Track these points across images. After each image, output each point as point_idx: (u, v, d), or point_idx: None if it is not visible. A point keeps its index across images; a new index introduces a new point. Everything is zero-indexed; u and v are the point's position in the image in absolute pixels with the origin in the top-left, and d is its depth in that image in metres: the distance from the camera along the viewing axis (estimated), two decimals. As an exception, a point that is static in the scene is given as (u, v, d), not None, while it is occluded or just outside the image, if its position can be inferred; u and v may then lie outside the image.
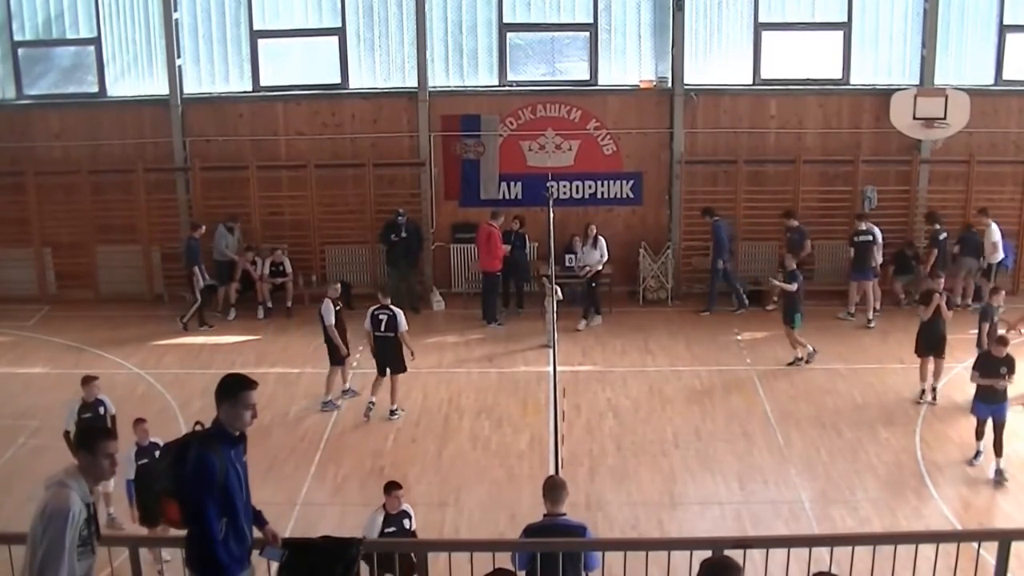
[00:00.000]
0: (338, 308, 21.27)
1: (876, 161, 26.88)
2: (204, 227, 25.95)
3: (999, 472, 17.74)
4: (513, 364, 23.41)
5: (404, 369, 20.71)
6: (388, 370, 20.66)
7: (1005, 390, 18.16)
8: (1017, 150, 26.77)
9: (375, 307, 20.70)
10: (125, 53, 27.01)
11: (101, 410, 17.07)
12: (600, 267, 25.37)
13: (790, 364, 22.83)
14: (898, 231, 26.80)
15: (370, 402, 20.80)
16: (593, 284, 25.38)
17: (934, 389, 20.98)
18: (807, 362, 22.79)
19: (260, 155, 26.98)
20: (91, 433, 8.34)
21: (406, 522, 14.14)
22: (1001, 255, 25.70)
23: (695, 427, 20.12)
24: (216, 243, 26.33)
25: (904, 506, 17.06)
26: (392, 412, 20.64)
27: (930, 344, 20.96)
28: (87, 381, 17.33)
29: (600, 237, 25.47)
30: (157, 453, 15.23)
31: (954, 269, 25.83)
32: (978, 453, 18.33)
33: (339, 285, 22.00)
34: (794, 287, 22.53)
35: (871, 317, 25.39)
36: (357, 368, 22.07)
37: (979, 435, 18.32)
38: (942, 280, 21.67)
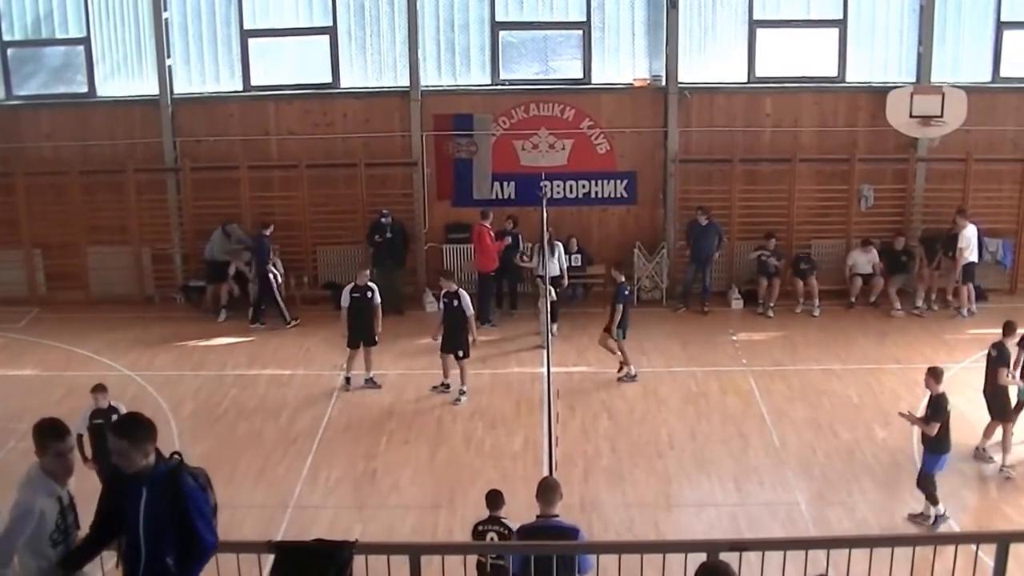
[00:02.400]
0: (357, 295, 21.65)
1: (872, 159, 26.76)
2: (273, 226, 25.94)
3: (919, 516, 16.52)
4: (507, 365, 23.28)
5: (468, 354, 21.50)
6: (460, 353, 21.40)
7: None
8: (1015, 148, 26.65)
9: (444, 292, 21.46)
10: (115, 53, 26.86)
11: (114, 417, 16.32)
12: (559, 274, 24.87)
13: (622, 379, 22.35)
14: (895, 230, 26.63)
15: (445, 384, 21.67)
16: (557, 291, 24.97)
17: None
18: (630, 378, 22.29)
19: (251, 155, 26.82)
20: (39, 432, 8.50)
21: None
22: (973, 258, 25.43)
23: (690, 428, 20.00)
24: (210, 244, 26.19)
25: (902, 508, 16.91)
26: (461, 393, 21.41)
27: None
28: (95, 389, 17.07)
29: (559, 244, 25.21)
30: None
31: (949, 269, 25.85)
32: (936, 519, 16.32)
33: (368, 272, 22.48)
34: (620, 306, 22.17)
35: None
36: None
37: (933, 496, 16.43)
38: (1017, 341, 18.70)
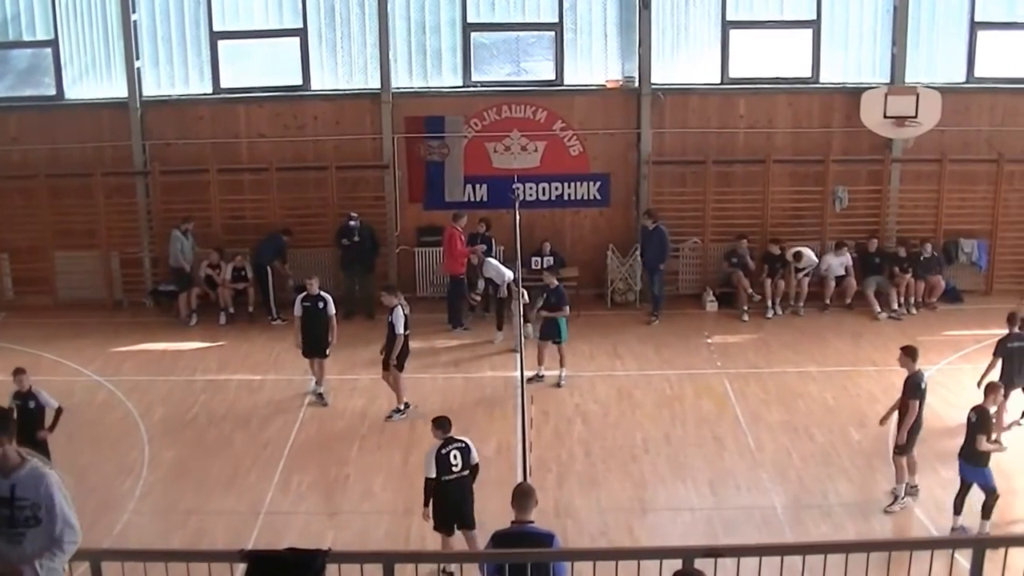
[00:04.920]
0: (308, 304, 21.14)
1: (847, 160, 26.75)
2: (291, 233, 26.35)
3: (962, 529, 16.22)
4: (479, 369, 23.12)
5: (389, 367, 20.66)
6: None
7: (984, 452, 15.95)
8: (989, 148, 26.66)
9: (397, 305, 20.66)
10: (83, 55, 26.62)
11: (31, 404, 16.98)
12: (501, 284, 24.78)
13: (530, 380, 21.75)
14: (870, 231, 26.61)
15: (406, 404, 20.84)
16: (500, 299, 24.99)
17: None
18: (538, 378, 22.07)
19: (221, 158, 26.64)
20: None
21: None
22: (813, 260, 25.97)
23: (665, 432, 19.85)
24: (171, 248, 25.99)
25: (878, 510, 16.82)
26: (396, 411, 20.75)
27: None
28: (15, 373, 17.28)
29: (491, 260, 25.08)
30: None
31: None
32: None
33: (317, 281, 21.68)
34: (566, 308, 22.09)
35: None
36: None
37: (959, 506, 16.09)
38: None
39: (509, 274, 24.13)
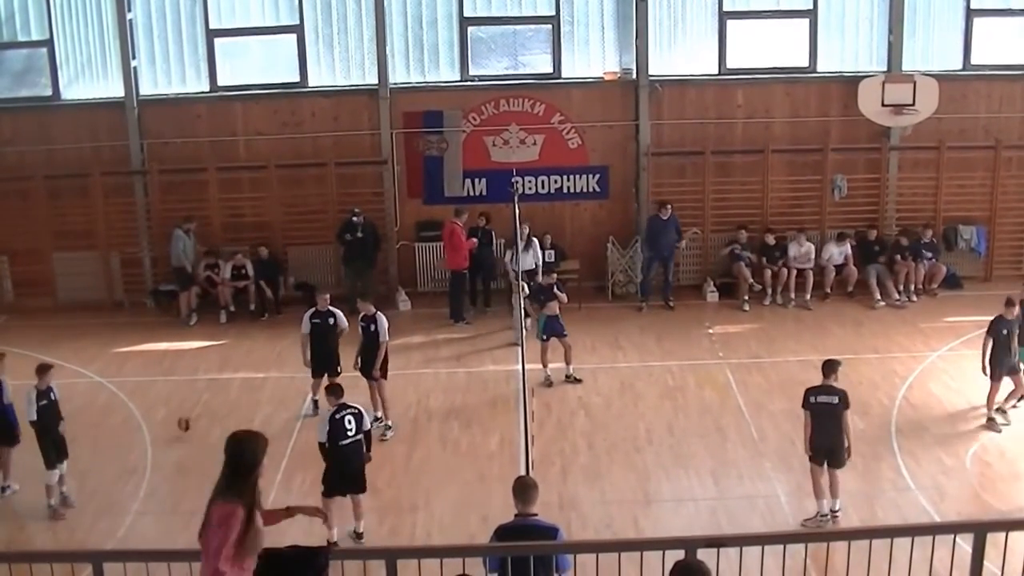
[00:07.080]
0: (317, 321, 20.21)
1: (845, 149, 26.75)
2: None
3: None
4: (481, 363, 23.09)
5: (376, 376, 20.00)
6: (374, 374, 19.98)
7: None
8: (986, 135, 26.66)
9: (361, 315, 20.01)
10: (78, 55, 26.56)
11: (52, 395, 17.43)
12: (534, 269, 24.61)
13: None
14: (869, 219, 26.64)
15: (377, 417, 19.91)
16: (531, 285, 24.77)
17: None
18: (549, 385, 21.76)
19: (219, 156, 26.58)
20: None
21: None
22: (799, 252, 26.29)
23: (668, 423, 19.84)
24: (173, 247, 25.95)
25: (881, 497, 16.83)
26: (376, 419, 19.68)
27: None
28: (43, 370, 17.46)
29: (535, 239, 25.08)
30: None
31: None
32: None
33: (327, 296, 20.71)
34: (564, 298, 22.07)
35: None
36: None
37: None
38: None
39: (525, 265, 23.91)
